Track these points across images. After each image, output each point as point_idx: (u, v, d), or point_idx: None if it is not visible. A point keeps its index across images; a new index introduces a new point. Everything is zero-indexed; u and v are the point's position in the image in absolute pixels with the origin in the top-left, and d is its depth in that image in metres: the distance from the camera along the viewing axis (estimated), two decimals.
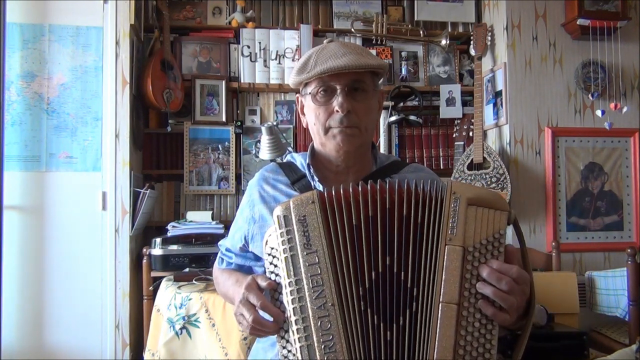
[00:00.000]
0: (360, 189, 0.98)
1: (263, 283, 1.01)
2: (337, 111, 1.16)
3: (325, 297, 0.94)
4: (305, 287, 0.95)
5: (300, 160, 1.30)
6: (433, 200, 0.96)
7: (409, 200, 0.97)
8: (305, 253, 0.96)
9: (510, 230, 0.98)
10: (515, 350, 0.99)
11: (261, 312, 1.01)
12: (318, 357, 0.93)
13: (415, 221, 0.96)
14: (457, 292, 0.91)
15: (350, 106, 1.15)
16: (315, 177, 1.23)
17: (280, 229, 0.98)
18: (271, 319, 0.99)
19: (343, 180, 1.23)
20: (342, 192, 0.98)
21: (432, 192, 0.97)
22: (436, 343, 0.91)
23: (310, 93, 1.19)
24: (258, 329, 1.01)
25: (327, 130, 1.19)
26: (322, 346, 0.93)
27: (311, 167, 1.25)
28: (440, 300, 0.92)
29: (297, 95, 1.29)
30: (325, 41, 1.25)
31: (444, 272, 0.92)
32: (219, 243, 1.40)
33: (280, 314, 0.98)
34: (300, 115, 1.29)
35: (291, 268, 0.96)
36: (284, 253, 0.97)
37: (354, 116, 1.16)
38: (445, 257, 0.93)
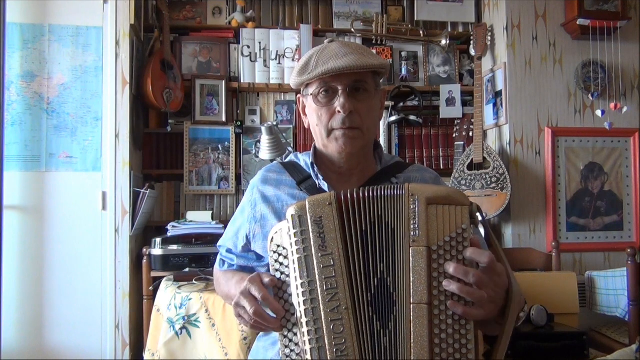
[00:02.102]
0: (367, 194, 0.98)
1: (266, 279, 1.01)
2: (339, 112, 1.16)
3: (339, 300, 0.94)
4: (319, 289, 0.94)
5: (304, 159, 1.30)
6: (395, 203, 0.97)
7: (383, 205, 0.97)
8: (320, 255, 0.95)
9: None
10: (495, 345, 0.98)
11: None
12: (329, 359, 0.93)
13: (391, 226, 0.97)
14: (427, 292, 0.92)
15: (352, 106, 1.16)
16: (319, 176, 1.23)
17: (294, 228, 0.97)
18: (272, 314, 0.99)
19: (346, 181, 1.23)
20: (355, 196, 0.98)
21: (396, 195, 0.97)
22: (412, 344, 0.91)
23: (311, 94, 1.19)
24: (259, 323, 1.00)
25: (329, 132, 1.19)
26: (334, 349, 0.93)
27: (315, 165, 1.25)
28: (412, 301, 0.92)
29: (299, 96, 1.28)
30: (325, 41, 1.25)
31: (411, 274, 0.93)
32: (218, 244, 1.39)
33: (281, 310, 0.97)
34: (302, 116, 1.29)
35: (304, 269, 0.96)
36: (297, 253, 0.96)
37: (356, 116, 1.17)
38: (411, 259, 0.93)
